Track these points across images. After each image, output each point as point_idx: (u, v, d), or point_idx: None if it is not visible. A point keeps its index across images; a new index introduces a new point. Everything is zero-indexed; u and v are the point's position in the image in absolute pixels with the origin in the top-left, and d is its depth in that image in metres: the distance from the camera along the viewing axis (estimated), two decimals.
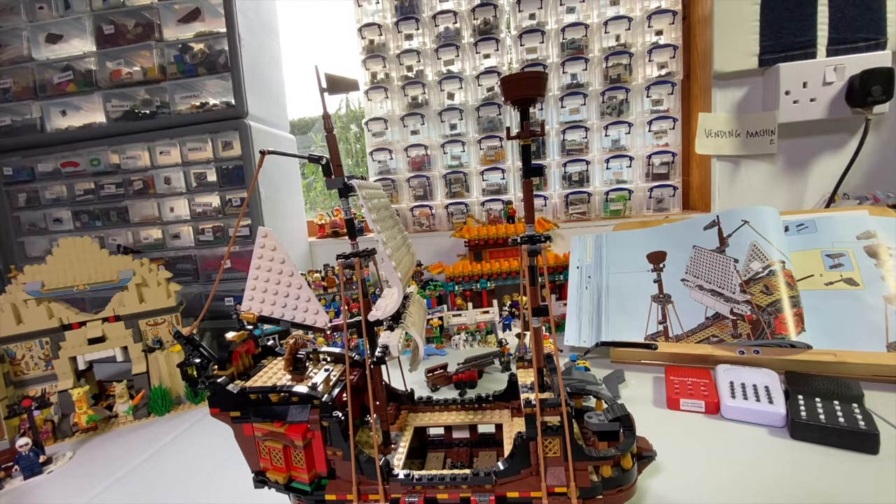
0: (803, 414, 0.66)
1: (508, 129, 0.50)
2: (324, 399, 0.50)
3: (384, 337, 0.52)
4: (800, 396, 0.71)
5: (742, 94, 1.25)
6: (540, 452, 0.47)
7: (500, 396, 0.62)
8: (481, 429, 0.63)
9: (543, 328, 0.51)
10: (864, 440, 0.61)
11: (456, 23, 1.38)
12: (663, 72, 1.32)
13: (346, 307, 1.16)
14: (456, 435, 0.63)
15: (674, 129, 1.33)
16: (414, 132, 1.45)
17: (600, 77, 1.35)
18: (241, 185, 1.22)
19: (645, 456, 0.52)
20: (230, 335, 0.54)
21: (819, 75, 1.15)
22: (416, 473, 0.50)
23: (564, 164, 1.39)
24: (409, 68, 1.43)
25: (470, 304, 1.26)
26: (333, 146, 0.54)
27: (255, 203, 1.20)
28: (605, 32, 1.33)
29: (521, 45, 1.37)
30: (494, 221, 1.33)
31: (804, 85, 1.16)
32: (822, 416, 0.65)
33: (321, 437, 0.50)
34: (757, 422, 0.70)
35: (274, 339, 1.13)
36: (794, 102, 1.18)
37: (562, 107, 1.38)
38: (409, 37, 1.42)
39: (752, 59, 1.20)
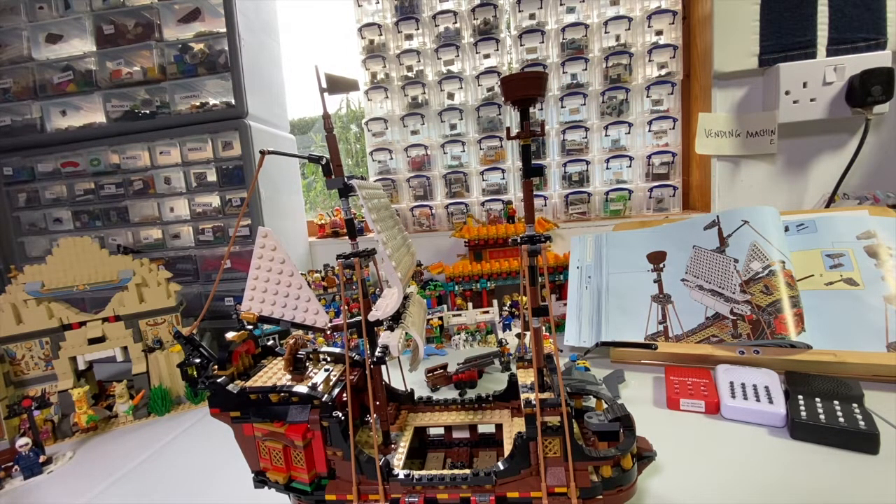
0: (803, 414, 0.66)
1: (508, 129, 0.50)
2: (324, 399, 0.50)
3: (384, 337, 0.52)
4: (800, 396, 0.71)
5: (742, 94, 1.25)
6: (540, 452, 0.47)
7: (500, 396, 0.62)
8: (481, 429, 0.63)
9: (543, 328, 0.51)
10: (864, 440, 0.61)
11: (456, 23, 1.38)
12: (663, 72, 1.32)
13: (346, 307, 1.16)
14: (456, 435, 0.63)
15: (674, 129, 1.33)
16: (414, 132, 1.45)
17: (600, 77, 1.35)
18: (241, 185, 1.22)
19: (645, 456, 0.52)
20: (230, 335, 0.54)
21: (819, 75, 1.15)
22: (416, 473, 0.50)
23: (564, 164, 1.39)
24: (409, 68, 1.43)
25: (470, 304, 1.26)
26: (333, 146, 0.54)
27: (255, 203, 1.20)
28: (605, 32, 1.33)
29: (521, 45, 1.37)
30: (494, 221, 1.33)
31: (804, 85, 1.16)
32: (822, 416, 0.65)
33: (321, 437, 0.50)
34: (757, 422, 0.70)
35: (274, 339, 1.13)
36: (794, 102, 1.18)
37: (562, 107, 1.38)
38: (409, 37, 1.42)
39: (752, 59, 1.20)
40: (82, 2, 1.23)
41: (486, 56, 1.39)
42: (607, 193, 1.38)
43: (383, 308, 0.54)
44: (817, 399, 0.69)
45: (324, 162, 0.54)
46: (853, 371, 0.78)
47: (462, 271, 1.25)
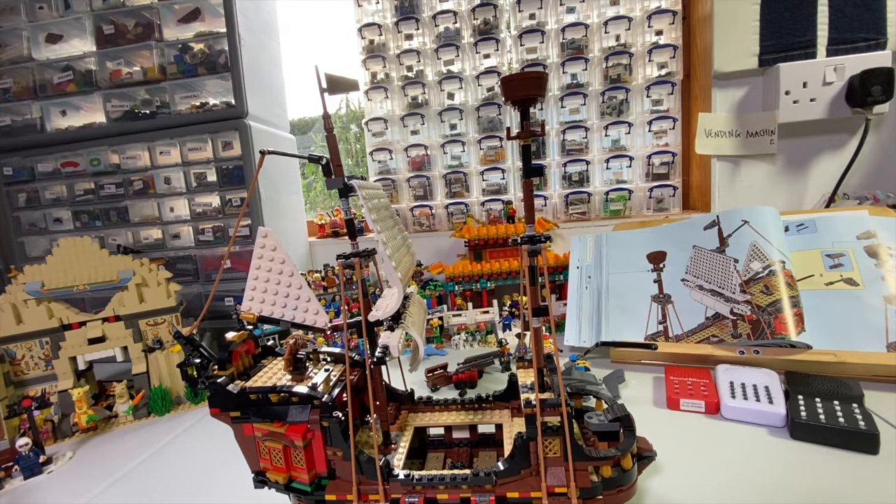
0: (803, 414, 0.66)
1: (508, 129, 0.50)
2: (324, 399, 0.50)
3: (384, 337, 0.52)
4: (800, 396, 0.71)
5: (742, 94, 1.25)
6: (540, 452, 0.47)
7: (500, 396, 0.62)
8: (481, 429, 0.63)
9: (543, 328, 0.51)
10: (864, 440, 0.61)
11: (456, 23, 1.38)
12: (663, 72, 1.32)
13: (346, 307, 1.16)
14: (456, 435, 0.63)
15: (674, 129, 1.33)
16: (414, 132, 1.45)
17: (600, 77, 1.35)
18: (241, 185, 1.22)
19: (645, 456, 0.52)
20: (230, 335, 0.54)
21: (819, 75, 1.15)
22: (416, 473, 0.50)
23: (564, 164, 1.39)
24: (409, 68, 1.43)
25: (470, 304, 1.26)
26: (333, 146, 0.54)
27: (255, 203, 1.20)
28: (605, 32, 1.33)
29: (521, 45, 1.37)
30: (494, 221, 1.33)
31: (804, 85, 1.16)
32: (822, 416, 0.65)
33: (321, 437, 0.50)
34: (757, 422, 0.70)
35: (274, 339, 1.13)
36: (794, 102, 1.18)
37: (562, 107, 1.38)
38: (409, 37, 1.42)
39: (752, 59, 1.20)
40: (82, 2, 1.23)
41: (486, 56, 1.39)
42: (607, 193, 1.38)
43: (383, 308, 0.54)
44: (817, 399, 0.69)
45: (324, 162, 0.54)
46: (853, 371, 0.78)
47: (462, 271, 1.25)
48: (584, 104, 1.36)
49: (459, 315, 1.18)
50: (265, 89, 1.31)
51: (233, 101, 1.19)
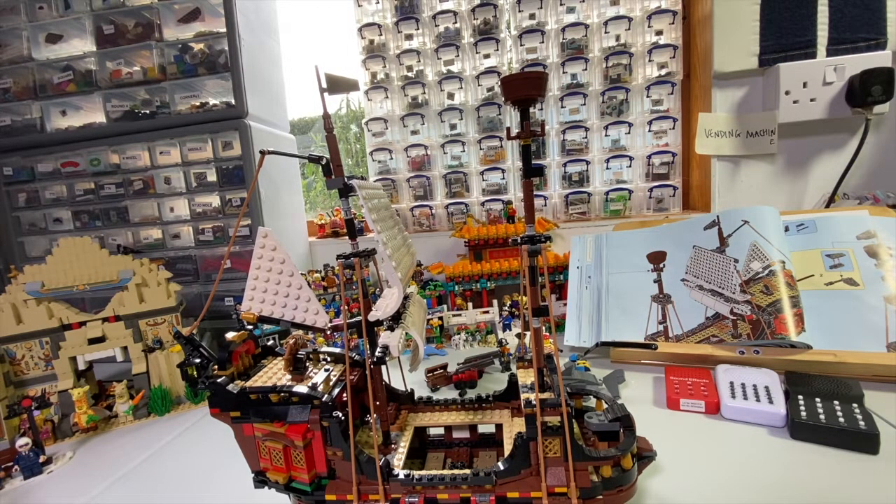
0: (803, 414, 0.66)
1: (508, 129, 0.50)
2: (324, 399, 0.50)
3: (384, 337, 0.52)
4: (800, 396, 0.71)
5: (742, 94, 1.25)
6: (540, 452, 0.47)
7: (500, 396, 0.62)
8: (481, 429, 0.63)
9: (543, 328, 0.51)
10: (864, 440, 0.61)
11: (456, 23, 1.38)
12: (663, 72, 1.32)
13: (346, 307, 1.16)
14: (456, 435, 0.63)
15: (674, 129, 1.33)
16: (414, 132, 1.45)
17: (600, 77, 1.35)
18: (241, 185, 1.22)
19: (645, 456, 0.52)
20: (230, 335, 0.54)
21: (819, 75, 1.15)
22: (416, 473, 0.50)
23: (564, 164, 1.39)
24: (409, 68, 1.43)
25: (470, 304, 1.26)
26: (333, 146, 0.54)
27: (255, 203, 1.20)
28: (605, 32, 1.33)
29: (521, 45, 1.37)
30: (494, 221, 1.33)
31: (804, 85, 1.16)
32: (822, 416, 0.65)
33: (321, 437, 0.50)
34: (757, 422, 0.70)
35: (274, 339, 1.13)
36: (794, 102, 1.18)
37: (562, 107, 1.38)
38: (409, 37, 1.42)
39: (752, 59, 1.20)
40: (82, 2, 1.23)
41: (486, 56, 1.39)
42: (607, 193, 1.38)
43: (383, 308, 0.54)
44: (817, 399, 0.69)
45: (324, 162, 0.54)
46: (853, 371, 0.78)
47: (462, 271, 1.25)
48: (584, 104, 1.36)
49: (459, 315, 1.18)
50: (265, 89, 1.31)
51: (233, 101, 1.19)
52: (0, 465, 0.76)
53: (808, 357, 0.81)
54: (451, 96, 1.42)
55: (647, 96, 1.33)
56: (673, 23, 1.30)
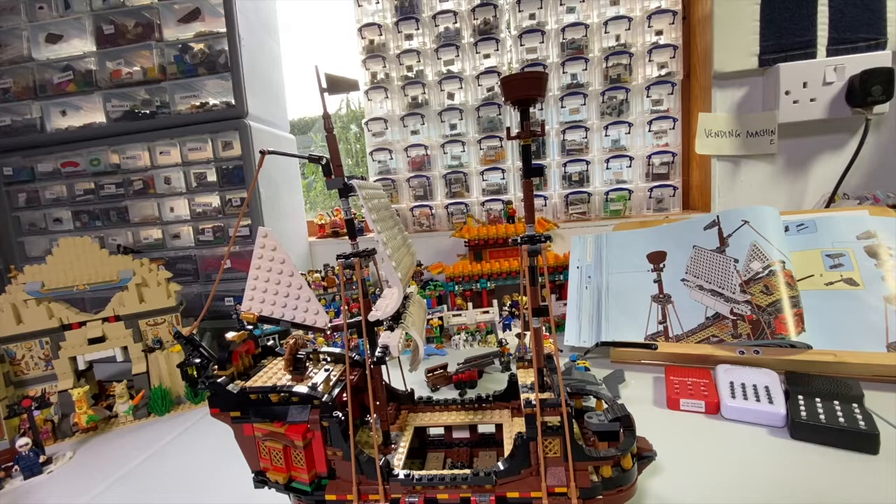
0: (803, 414, 0.66)
1: (508, 129, 0.50)
2: (324, 399, 0.50)
3: (384, 337, 0.52)
4: (800, 396, 0.71)
5: (742, 94, 1.25)
6: (540, 452, 0.47)
7: (500, 396, 0.62)
8: (481, 429, 0.63)
9: (543, 328, 0.51)
10: (864, 440, 0.61)
11: (456, 23, 1.38)
12: (663, 72, 1.32)
13: (346, 307, 1.16)
14: (456, 435, 0.63)
15: (674, 129, 1.33)
16: (414, 132, 1.45)
17: (600, 77, 1.35)
18: (241, 185, 1.22)
19: (645, 456, 0.52)
20: (230, 335, 0.54)
21: (819, 75, 1.15)
22: (416, 473, 0.50)
23: (564, 164, 1.39)
24: (409, 68, 1.43)
25: (470, 304, 1.26)
26: (333, 146, 0.54)
27: (255, 203, 1.20)
28: (605, 32, 1.33)
29: (521, 45, 1.37)
30: (494, 221, 1.33)
31: (804, 85, 1.16)
32: (822, 416, 0.65)
33: (321, 437, 0.50)
34: (757, 422, 0.70)
35: (274, 339, 1.13)
36: (794, 102, 1.18)
37: (562, 107, 1.38)
38: (409, 37, 1.42)
39: (752, 59, 1.20)
40: (82, 2, 1.22)
41: (486, 56, 1.39)
42: (607, 193, 1.38)
43: (383, 308, 0.54)
44: (817, 399, 0.69)
45: (324, 162, 0.54)
46: (853, 371, 0.78)
47: (462, 271, 1.25)
48: (584, 104, 1.36)
49: (459, 315, 1.18)
50: (265, 89, 1.31)
51: (233, 101, 1.19)
52: (0, 465, 0.76)
53: (808, 357, 0.81)
54: (451, 96, 1.42)
55: (647, 96, 1.33)
56: (673, 23, 1.30)
